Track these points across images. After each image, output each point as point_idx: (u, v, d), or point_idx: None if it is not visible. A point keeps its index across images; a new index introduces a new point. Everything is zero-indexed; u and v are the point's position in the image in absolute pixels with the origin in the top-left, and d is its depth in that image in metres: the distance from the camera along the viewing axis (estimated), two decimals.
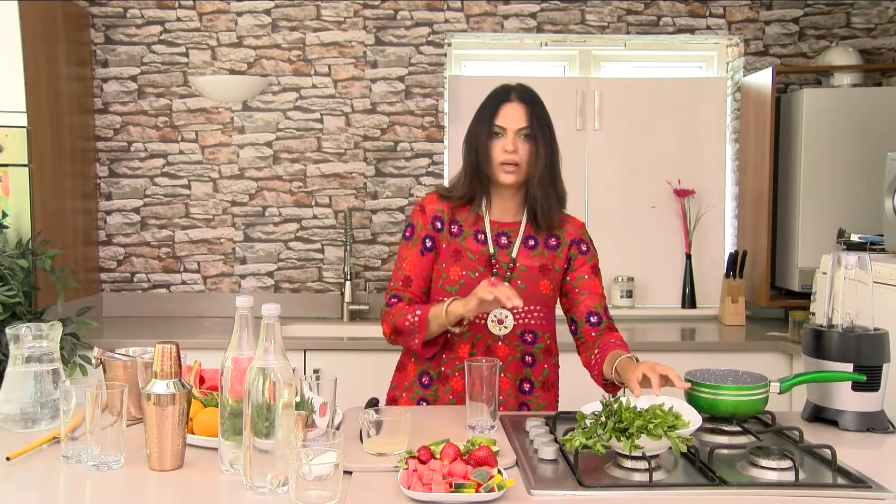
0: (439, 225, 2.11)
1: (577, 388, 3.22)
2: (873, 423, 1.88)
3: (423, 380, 2.12)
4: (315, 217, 3.81)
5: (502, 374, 2.06)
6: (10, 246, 2.88)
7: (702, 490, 1.50)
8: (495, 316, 2.04)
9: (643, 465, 1.53)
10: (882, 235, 2.95)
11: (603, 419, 1.59)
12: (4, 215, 2.95)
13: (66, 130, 3.41)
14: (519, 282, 2.08)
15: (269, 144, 3.79)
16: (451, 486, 1.41)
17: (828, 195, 3.50)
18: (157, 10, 3.73)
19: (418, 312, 2.02)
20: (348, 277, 3.69)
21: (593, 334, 2.14)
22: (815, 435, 1.83)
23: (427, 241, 2.11)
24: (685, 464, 1.62)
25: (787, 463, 1.56)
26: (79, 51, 3.59)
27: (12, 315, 2.67)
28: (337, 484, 1.41)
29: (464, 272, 2.07)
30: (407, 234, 2.14)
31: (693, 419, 1.63)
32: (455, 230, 2.11)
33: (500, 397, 2.06)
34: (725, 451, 1.71)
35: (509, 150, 2.03)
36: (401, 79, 3.77)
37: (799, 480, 1.52)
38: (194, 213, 3.79)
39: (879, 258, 2.68)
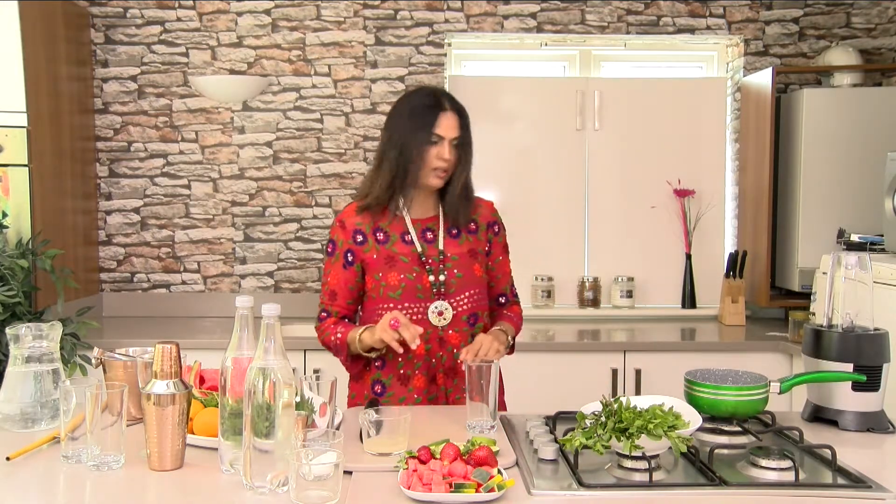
0: (361, 238, 2.16)
1: (577, 388, 3.23)
2: (873, 423, 1.89)
3: (376, 388, 2.15)
4: (315, 217, 3.81)
5: (459, 362, 2.08)
6: (10, 246, 2.88)
7: (702, 490, 1.50)
8: (436, 308, 2.11)
9: (643, 465, 1.53)
10: (882, 235, 2.95)
11: (603, 419, 1.59)
12: (4, 215, 2.95)
13: (66, 130, 3.41)
14: (455, 270, 2.15)
15: (269, 144, 3.79)
16: (451, 486, 1.42)
17: (828, 195, 3.50)
18: (157, 10, 3.73)
19: (339, 335, 2.12)
20: None
21: (495, 312, 2.30)
22: (815, 435, 1.83)
23: (348, 255, 2.16)
24: (685, 464, 1.62)
25: (787, 463, 1.56)
26: (79, 51, 3.59)
27: (12, 315, 2.67)
28: (337, 484, 1.41)
29: (402, 276, 2.12)
30: (329, 249, 2.19)
31: (693, 419, 1.63)
32: (381, 237, 2.16)
33: (462, 385, 2.08)
34: (725, 451, 1.71)
35: (446, 157, 2.10)
36: (401, 79, 3.77)
37: (799, 480, 1.52)
38: (194, 213, 3.79)
39: (879, 258, 2.68)
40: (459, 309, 2.14)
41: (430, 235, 2.17)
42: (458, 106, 2.15)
